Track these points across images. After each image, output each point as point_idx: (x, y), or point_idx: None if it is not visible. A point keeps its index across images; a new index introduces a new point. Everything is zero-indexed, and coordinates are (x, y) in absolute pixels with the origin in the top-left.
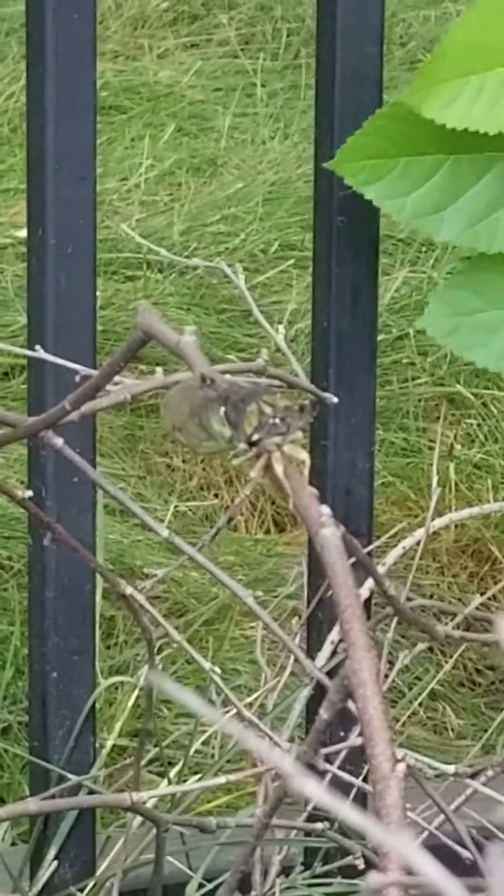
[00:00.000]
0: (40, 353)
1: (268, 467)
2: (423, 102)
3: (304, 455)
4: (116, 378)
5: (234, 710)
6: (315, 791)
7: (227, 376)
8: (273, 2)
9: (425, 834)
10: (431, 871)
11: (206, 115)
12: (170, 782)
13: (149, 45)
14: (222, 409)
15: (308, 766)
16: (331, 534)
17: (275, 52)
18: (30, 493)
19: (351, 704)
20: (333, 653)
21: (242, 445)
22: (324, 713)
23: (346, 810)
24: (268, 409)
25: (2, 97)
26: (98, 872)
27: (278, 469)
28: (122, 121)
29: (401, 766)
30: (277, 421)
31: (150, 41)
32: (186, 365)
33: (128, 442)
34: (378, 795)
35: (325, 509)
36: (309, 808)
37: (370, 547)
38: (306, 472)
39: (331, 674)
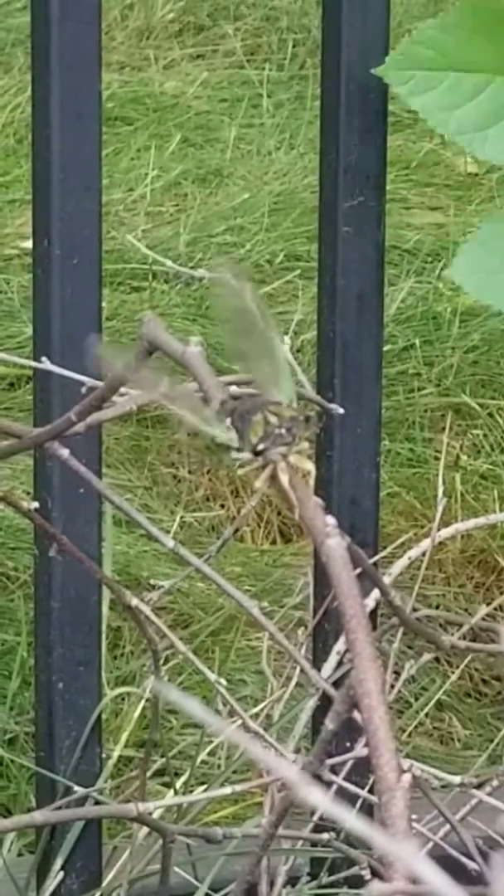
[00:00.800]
0: (46, 364)
1: (273, 477)
2: None
3: (310, 465)
4: (122, 389)
5: (240, 721)
6: (321, 801)
7: (234, 388)
8: (279, 13)
9: (431, 844)
10: (437, 881)
11: (211, 126)
12: (176, 793)
13: (155, 56)
14: (228, 419)
15: (314, 776)
16: (336, 544)
17: (280, 62)
18: (36, 504)
19: (357, 715)
20: (339, 663)
21: (248, 455)
22: (329, 724)
23: (352, 820)
24: (273, 419)
25: (7, 108)
26: (104, 883)
27: (284, 479)
28: (128, 132)
29: (406, 777)
30: (283, 431)
31: (155, 52)
32: (192, 376)
33: (134, 453)
34: (384, 806)
35: (331, 520)
36: (315, 818)
37: (376, 557)
38: (312, 482)
39: (337, 684)
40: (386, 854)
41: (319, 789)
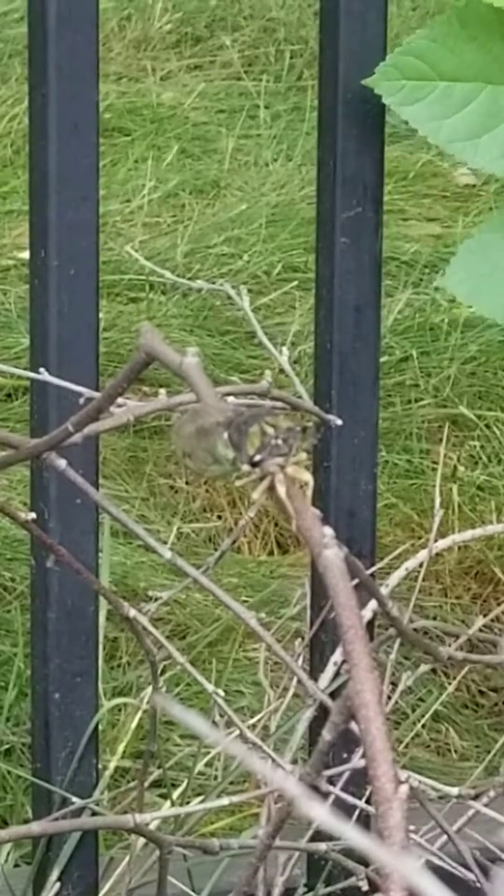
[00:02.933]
0: (43, 375)
1: (271, 489)
2: None
3: (308, 476)
4: (119, 400)
5: (238, 732)
6: (318, 813)
7: (231, 399)
8: (276, 24)
9: (428, 855)
10: (434, 892)
11: (209, 137)
12: (173, 804)
13: (152, 67)
14: (226, 432)
15: (311, 787)
16: (334, 555)
17: (278, 74)
18: (33, 515)
19: (354, 726)
20: (336, 674)
21: (245, 467)
22: (327, 735)
23: (349, 832)
24: (270, 430)
25: (5, 119)
26: (101, 894)
27: (281, 490)
28: (126, 143)
29: (404, 788)
30: (280, 441)
31: (153, 63)
32: (189, 387)
33: (131, 464)
34: (381, 817)
35: (328, 531)
36: (312, 829)
37: (373, 568)
38: (309, 493)
39: (334, 695)
40: (383, 865)
41: (316, 800)
